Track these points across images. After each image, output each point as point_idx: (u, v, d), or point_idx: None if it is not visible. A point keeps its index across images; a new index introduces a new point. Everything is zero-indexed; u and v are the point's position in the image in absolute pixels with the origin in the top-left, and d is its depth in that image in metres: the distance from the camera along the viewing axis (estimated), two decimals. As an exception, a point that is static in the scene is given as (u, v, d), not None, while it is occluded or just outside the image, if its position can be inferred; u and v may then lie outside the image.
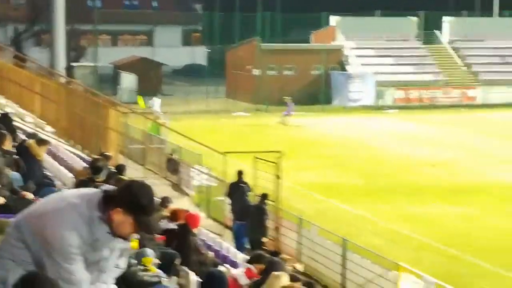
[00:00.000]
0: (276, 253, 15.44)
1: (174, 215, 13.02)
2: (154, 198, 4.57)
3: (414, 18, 68.85)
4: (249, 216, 20.14)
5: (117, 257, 4.68)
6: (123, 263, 4.78)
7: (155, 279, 8.71)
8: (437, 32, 70.01)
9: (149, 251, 9.75)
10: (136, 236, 8.52)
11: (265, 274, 10.01)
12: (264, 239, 19.87)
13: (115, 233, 4.50)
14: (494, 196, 28.69)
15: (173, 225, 12.70)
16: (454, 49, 68.95)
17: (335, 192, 29.33)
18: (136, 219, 4.46)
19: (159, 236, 12.15)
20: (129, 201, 4.46)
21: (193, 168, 27.92)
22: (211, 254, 13.90)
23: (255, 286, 9.67)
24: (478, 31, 69.99)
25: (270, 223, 20.31)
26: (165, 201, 14.26)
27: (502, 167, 34.67)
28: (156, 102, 48.27)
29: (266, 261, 10.45)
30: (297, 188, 29.48)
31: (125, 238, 4.58)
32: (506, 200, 28.05)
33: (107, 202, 4.50)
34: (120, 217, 4.45)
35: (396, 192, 29.46)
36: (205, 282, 8.75)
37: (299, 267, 17.40)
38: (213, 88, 65.58)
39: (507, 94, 63.95)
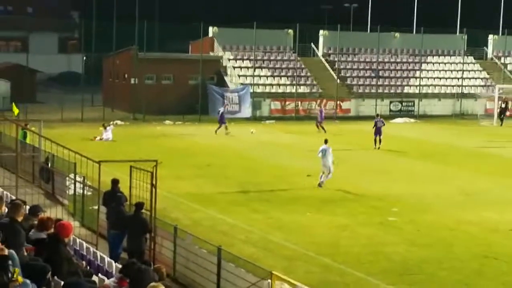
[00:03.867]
0: (148, 263, 15.35)
1: (43, 225, 12.62)
2: None
3: (291, 31, 69.99)
4: (127, 226, 19.96)
5: None
6: None
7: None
8: (313, 45, 71.44)
9: (13, 254, 9.44)
10: None
11: (132, 284, 9.98)
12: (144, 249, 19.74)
13: None
14: (364, 206, 29.46)
15: (43, 235, 12.38)
16: (329, 62, 70.48)
17: (210, 202, 29.44)
18: None
19: (29, 246, 11.89)
20: None
21: (67, 176, 27.47)
22: (84, 264, 13.72)
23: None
24: (352, 45, 72.02)
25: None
26: (35, 209, 13.84)
27: (371, 177, 35.64)
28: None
29: (134, 271, 10.40)
30: (173, 197, 29.44)
31: None
32: (374, 209, 28.85)
33: None
34: None
35: (271, 201, 29.82)
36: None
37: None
38: (89, 97, 64.66)
39: (379, 106, 65.91)
